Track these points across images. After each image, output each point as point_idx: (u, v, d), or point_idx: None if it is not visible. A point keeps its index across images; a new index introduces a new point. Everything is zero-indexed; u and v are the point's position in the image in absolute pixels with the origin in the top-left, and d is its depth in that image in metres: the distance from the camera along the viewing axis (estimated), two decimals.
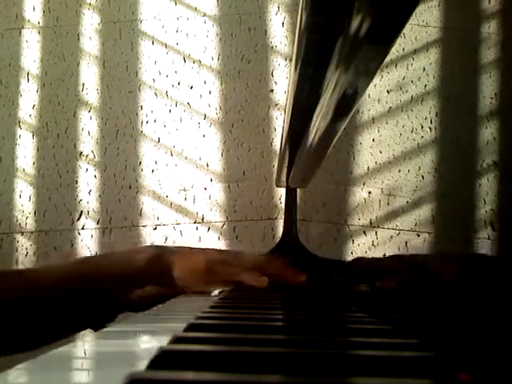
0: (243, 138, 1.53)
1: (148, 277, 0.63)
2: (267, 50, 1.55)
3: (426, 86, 1.53)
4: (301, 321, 0.38)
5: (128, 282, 0.63)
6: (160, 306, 0.57)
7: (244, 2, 1.57)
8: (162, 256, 0.65)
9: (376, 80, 1.51)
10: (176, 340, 0.27)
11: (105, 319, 0.68)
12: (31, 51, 1.62)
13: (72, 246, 1.53)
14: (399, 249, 1.47)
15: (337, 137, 0.59)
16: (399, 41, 1.51)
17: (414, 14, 0.32)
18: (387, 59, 0.40)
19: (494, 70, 1.54)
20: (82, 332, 0.69)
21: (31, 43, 1.62)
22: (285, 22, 1.55)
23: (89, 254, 1.52)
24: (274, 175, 1.44)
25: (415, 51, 1.54)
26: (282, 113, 1.50)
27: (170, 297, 0.66)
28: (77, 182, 1.56)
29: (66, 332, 0.66)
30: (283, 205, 1.30)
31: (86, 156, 1.56)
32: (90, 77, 1.59)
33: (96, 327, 0.69)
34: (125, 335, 0.35)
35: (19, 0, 1.64)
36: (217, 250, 0.70)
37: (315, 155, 0.68)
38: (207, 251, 0.68)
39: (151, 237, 1.51)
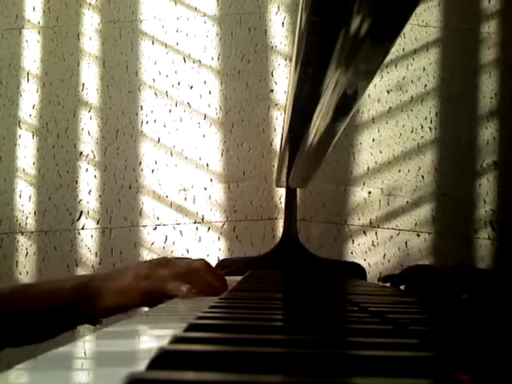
0: (243, 138, 1.53)
1: (77, 302, 0.65)
2: (267, 50, 1.55)
3: (425, 86, 1.53)
4: (301, 321, 0.38)
5: (59, 310, 0.65)
6: (160, 306, 0.57)
7: (244, 2, 1.57)
8: (90, 282, 0.66)
9: (376, 80, 1.51)
10: (176, 340, 0.27)
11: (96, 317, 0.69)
12: (31, 51, 1.62)
13: (72, 245, 1.53)
14: (399, 249, 1.47)
15: (337, 137, 0.59)
16: (399, 41, 1.51)
17: (413, 13, 0.32)
18: (387, 59, 0.40)
19: (493, 69, 1.54)
20: (79, 328, 0.71)
21: (31, 43, 1.62)
22: (285, 22, 1.55)
23: (88, 255, 1.52)
24: (274, 175, 1.44)
25: (415, 51, 1.54)
26: (282, 113, 1.50)
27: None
28: (77, 182, 1.56)
29: (60, 328, 0.67)
30: (283, 205, 1.30)
31: (86, 156, 1.56)
32: (90, 77, 1.59)
33: (92, 322, 0.70)
34: (125, 335, 0.35)
35: (19, 0, 1.64)
36: (147, 262, 0.69)
37: (315, 155, 0.69)
38: (137, 267, 0.67)
39: (151, 237, 1.51)
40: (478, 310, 0.49)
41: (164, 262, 0.68)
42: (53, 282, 0.71)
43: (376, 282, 1.40)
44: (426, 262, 1.48)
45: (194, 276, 0.66)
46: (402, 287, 0.88)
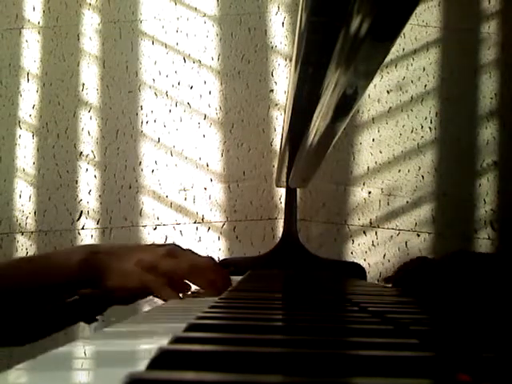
0: (243, 138, 1.53)
1: (80, 279, 0.63)
2: (267, 50, 1.55)
3: (425, 86, 1.53)
4: (301, 321, 0.38)
5: (63, 284, 0.64)
6: (160, 306, 0.57)
7: (244, 2, 1.57)
8: (94, 257, 0.64)
9: (376, 80, 1.51)
10: (176, 340, 0.27)
11: (94, 312, 0.68)
12: (31, 51, 1.62)
13: (72, 245, 1.53)
14: (399, 249, 1.47)
15: (337, 137, 0.59)
16: (399, 41, 1.51)
17: (413, 13, 0.32)
18: (387, 59, 0.40)
19: (494, 69, 1.54)
20: (75, 325, 0.70)
21: (31, 43, 1.62)
22: (285, 22, 1.55)
23: None
24: (274, 175, 1.44)
25: (415, 51, 1.54)
26: (282, 113, 1.50)
27: (108, 299, 0.66)
28: (77, 182, 1.56)
29: (56, 326, 0.66)
30: (283, 205, 1.30)
31: (86, 156, 1.56)
32: (90, 77, 1.59)
33: (88, 320, 0.69)
34: (125, 335, 0.35)
35: (19, 0, 1.64)
36: (152, 248, 0.67)
37: (315, 155, 0.69)
38: (142, 251, 0.66)
39: (151, 237, 1.51)
40: (478, 309, 0.49)
41: (169, 253, 0.66)
42: (55, 256, 0.69)
43: (376, 281, 1.40)
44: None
45: (198, 274, 0.65)
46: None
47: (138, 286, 0.63)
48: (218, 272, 0.68)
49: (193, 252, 0.70)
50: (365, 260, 1.46)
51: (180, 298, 0.62)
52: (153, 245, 0.72)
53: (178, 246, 0.69)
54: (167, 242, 0.65)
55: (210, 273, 0.66)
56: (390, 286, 0.90)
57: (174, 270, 0.64)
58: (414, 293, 0.70)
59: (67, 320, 0.68)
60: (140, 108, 1.57)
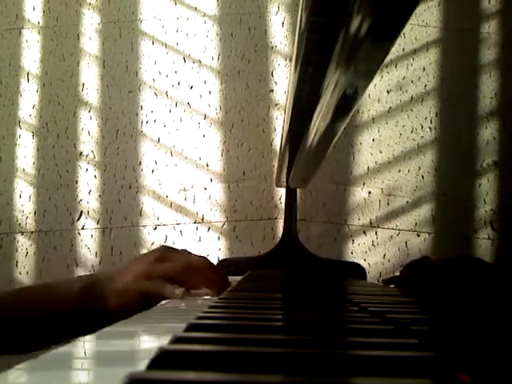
0: (243, 138, 1.53)
1: (81, 307, 0.64)
2: (267, 50, 1.55)
3: (425, 86, 1.53)
4: (301, 321, 0.38)
5: (64, 314, 0.64)
6: (160, 306, 0.57)
7: (244, 2, 1.57)
8: (94, 283, 0.65)
9: (376, 80, 1.51)
10: (176, 340, 0.27)
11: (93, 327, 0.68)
12: (31, 51, 1.62)
13: (72, 246, 1.53)
14: (399, 249, 1.47)
15: (337, 137, 0.59)
16: (399, 41, 1.51)
17: (413, 13, 0.32)
18: (387, 59, 0.40)
19: (493, 69, 1.54)
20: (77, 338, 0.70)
21: (31, 43, 1.62)
22: (285, 22, 1.55)
23: (88, 255, 1.52)
24: (274, 175, 1.44)
25: (415, 51, 1.54)
26: (282, 113, 1.50)
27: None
28: (77, 182, 1.56)
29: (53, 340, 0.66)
30: (283, 205, 1.30)
31: (86, 156, 1.56)
32: (90, 77, 1.60)
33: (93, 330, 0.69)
34: (125, 335, 0.35)
35: (19, 0, 1.64)
36: (145, 258, 0.67)
37: (315, 155, 0.68)
38: (136, 264, 0.65)
39: (151, 237, 1.51)
40: (479, 309, 0.49)
41: (162, 256, 0.66)
42: (56, 285, 0.70)
43: (376, 281, 1.40)
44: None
45: (194, 274, 0.65)
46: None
47: (138, 298, 0.63)
48: (215, 271, 0.68)
49: (188, 252, 0.70)
50: (365, 260, 1.46)
51: (185, 291, 0.62)
52: (143, 254, 0.72)
53: (169, 247, 0.69)
54: (156, 247, 0.65)
55: (207, 271, 0.66)
56: (391, 286, 0.90)
57: (168, 272, 0.64)
58: (418, 294, 0.70)
59: (75, 328, 0.68)
60: (140, 108, 1.57)
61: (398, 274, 0.94)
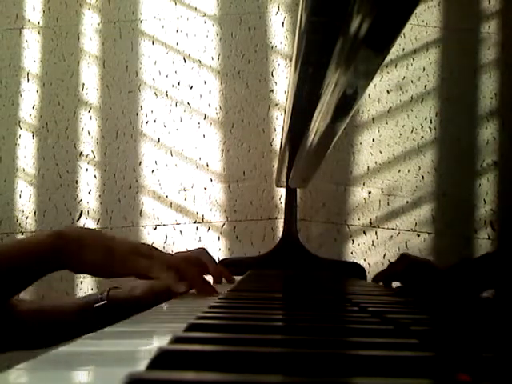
0: (243, 138, 1.53)
1: (55, 258, 0.62)
2: (267, 50, 1.55)
3: (425, 86, 1.53)
4: (301, 321, 0.38)
5: (37, 263, 0.62)
6: (160, 306, 0.57)
7: (244, 2, 1.57)
8: (69, 237, 0.63)
9: (376, 80, 1.51)
10: (176, 340, 0.27)
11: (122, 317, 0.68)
12: (31, 51, 1.62)
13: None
14: (399, 249, 1.47)
15: (337, 137, 0.59)
16: (399, 41, 1.51)
17: (413, 14, 0.32)
18: (387, 59, 0.40)
19: (493, 69, 1.54)
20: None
21: (31, 43, 1.62)
22: (285, 22, 1.55)
23: None
24: (274, 175, 1.44)
25: (415, 51, 1.54)
26: (282, 113, 1.50)
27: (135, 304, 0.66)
28: (77, 182, 1.56)
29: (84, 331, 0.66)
30: (283, 205, 1.30)
31: (86, 156, 1.56)
32: (90, 77, 1.60)
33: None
34: (125, 335, 0.35)
35: (19, 0, 1.64)
36: (129, 241, 0.67)
37: (315, 155, 0.68)
38: (121, 239, 0.66)
39: (151, 237, 1.51)
40: (479, 310, 0.49)
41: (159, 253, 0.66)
42: (26, 239, 0.68)
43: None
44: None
45: (192, 264, 0.65)
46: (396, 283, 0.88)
47: (126, 268, 0.62)
48: (209, 261, 0.68)
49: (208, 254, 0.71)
50: (365, 260, 1.46)
51: (181, 282, 0.61)
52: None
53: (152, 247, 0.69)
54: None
55: (202, 262, 0.67)
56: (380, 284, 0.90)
57: (166, 258, 0.64)
58: (419, 294, 0.70)
59: (95, 325, 0.67)
60: (140, 108, 1.57)
61: (388, 267, 0.94)
